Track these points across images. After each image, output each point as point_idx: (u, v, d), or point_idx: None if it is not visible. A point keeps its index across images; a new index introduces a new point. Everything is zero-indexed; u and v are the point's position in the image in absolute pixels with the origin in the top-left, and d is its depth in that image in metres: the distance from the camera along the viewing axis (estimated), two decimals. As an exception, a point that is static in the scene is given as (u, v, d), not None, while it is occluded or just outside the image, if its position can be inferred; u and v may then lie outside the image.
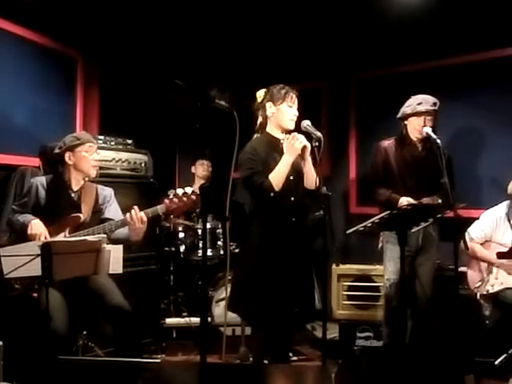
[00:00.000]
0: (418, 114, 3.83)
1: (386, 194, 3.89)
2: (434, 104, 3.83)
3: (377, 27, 4.89)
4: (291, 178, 3.30)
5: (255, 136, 3.44)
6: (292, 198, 3.31)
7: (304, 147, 3.25)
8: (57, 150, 3.49)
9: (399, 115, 3.95)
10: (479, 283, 3.97)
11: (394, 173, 3.94)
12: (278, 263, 3.24)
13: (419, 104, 3.83)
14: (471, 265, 4.03)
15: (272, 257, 3.24)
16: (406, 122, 3.92)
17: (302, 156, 3.30)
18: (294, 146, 3.23)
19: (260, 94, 3.43)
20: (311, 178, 3.32)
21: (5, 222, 3.79)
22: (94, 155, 3.49)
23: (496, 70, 4.64)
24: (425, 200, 3.78)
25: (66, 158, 3.46)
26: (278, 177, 3.23)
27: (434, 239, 3.94)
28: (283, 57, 5.31)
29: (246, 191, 3.36)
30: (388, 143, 4.01)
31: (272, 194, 3.22)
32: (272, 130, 3.40)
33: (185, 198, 3.24)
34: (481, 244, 4.00)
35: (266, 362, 3.52)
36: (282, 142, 3.36)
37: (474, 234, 4.01)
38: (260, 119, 3.44)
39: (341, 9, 4.68)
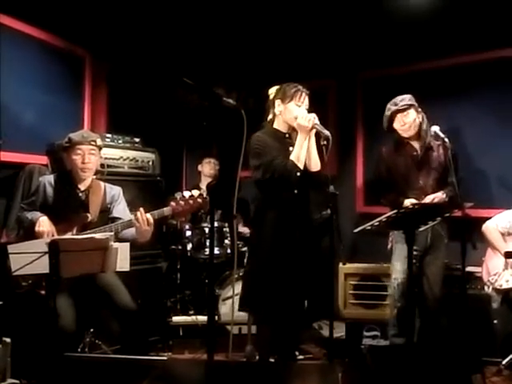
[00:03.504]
0: (392, 115, 3.92)
1: (390, 199, 3.92)
2: (401, 100, 3.90)
3: (384, 26, 4.88)
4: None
5: (260, 131, 3.44)
6: (295, 191, 3.33)
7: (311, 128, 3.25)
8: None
9: (385, 129, 4.04)
10: (494, 276, 3.94)
11: (396, 174, 3.96)
12: (287, 258, 3.25)
13: (387, 111, 3.97)
14: (488, 257, 4.01)
15: (280, 252, 3.25)
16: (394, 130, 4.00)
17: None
18: (302, 124, 3.23)
19: (272, 90, 3.47)
20: (315, 159, 3.35)
21: (13, 220, 3.81)
22: (89, 157, 3.43)
23: (505, 68, 4.61)
24: (428, 198, 3.78)
25: (64, 158, 3.48)
26: (298, 155, 3.26)
27: (442, 238, 3.93)
28: (290, 55, 5.31)
29: (252, 188, 3.37)
30: (386, 148, 4.07)
31: (298, 174, 3.25)
32: (279, 126, 3.44)
33: (191, 201, 3.26)
34: (502, 235, 3.97)
35: (272, 360, 3.52)
36: (286, 136, 3.41)
37: (501, 222, 3.98)
38: (270, 116, 3.48)
39: (348, 7, 4.67)
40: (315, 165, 3.33)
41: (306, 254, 3.32)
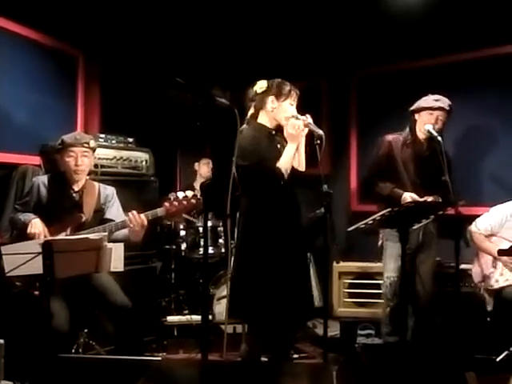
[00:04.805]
0: (432, 109, 3.83)
1: (388, 188, 3.88)
2: (449, 106, 3.86)
3: (378, 24, 4.87)
4: None
5: (245, 126, 3.31)
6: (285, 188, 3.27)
7: (306, 124, 3.21)
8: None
9: (413, 107, 3.94)
10: (483, 277, 3.96)
11: (398, 167, 3.92)
12: (277, 259, 3.19)
13: (437, 100, 3.84)
14: (477, 259, 4.02)
15: (270, 252, 3.19)
16: (416, 117, 3.92)
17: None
18: (293, 134, 3.19)
19: (262, 85, 3.31)
20: (302, 159, 3.31)
21: (6, 220, 3.81)
22: (82, 159, 3.43)
23: (498, 67, 4.63)
24: (429, 199, 3.77)
25: (58, 160, 3.48)
26: (285, 164, 3.20)
27: (433, 236, 3.95)
28: (283, 54, 5.30)
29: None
30: (393, 137, 3.99)
31: (282, 182, 3.20)
32: (266, 122, 3.33)
33: (185, 202, 3.26)
34: (486, 237, 3.96)
35: (265, 359, 3.52)
36: (273, 132, 3.33)
37: (481, 225, 3.97)
38: (252, 110, 3.36)
39: (341, 5, 4.66)
40: (302, 165, 3.31)
41: (295, 251, 3.28)
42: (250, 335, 3.54)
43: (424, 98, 3.92)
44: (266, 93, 3.30)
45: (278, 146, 3.30)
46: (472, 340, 3.78)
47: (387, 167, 3.95)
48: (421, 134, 3.92)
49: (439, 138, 3.63)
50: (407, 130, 3.98)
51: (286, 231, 3.24)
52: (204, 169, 5.50)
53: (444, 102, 3.85)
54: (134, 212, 3.25)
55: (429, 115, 3.84)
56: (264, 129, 3.32)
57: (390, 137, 4.00)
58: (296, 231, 3.31)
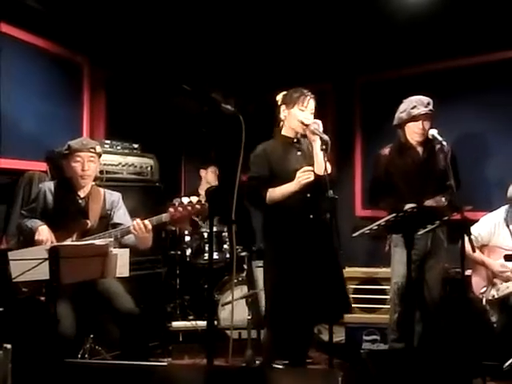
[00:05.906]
0: (414, 119, 3.76)
1: (390, 204, 3.85)
2: (428, 104, 3.76)
3: (382, 29, 4.88)
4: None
5: (273, 139, 3.49)
6: (308, 195, 3.30)
7: (311, 129, 3.25)
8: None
9: (395, 122, 3.88)
10: (484, 288, 3.93)
11: (398, 179, 3.88)
12: (303, 264, 3.24)
13: (413, 108, 3.75)
14: (476, 270, 4.00)
15: (296, 258, 3.24)
16: (404, 128, 3.86)
17: (310, 137, 3.32)
18: (300, 181, 3.24)
19: (278, 97, 3.48)
20: (320, 163, 3.25)
21: (13, 226, 3.83)
22: (89, 164, 3.46)
23: (502, 72, 4.63)
24: (428, 202, 3.75)
25: (64, 166, 3.50)
26: (276, 196, 3.28)
27: (442, 242, 3.90)
28: (287, 59, 5.32)
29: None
30: (388, 151, 3.95)
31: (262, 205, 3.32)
32: (286, 132, 3.45)
33: (189, 207, 3.25)
34: (479, 247, 3.92)
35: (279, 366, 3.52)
36: (295, 141, 3.43)
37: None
38: (278, 122, 3.49)
39: (345, 10, 4.67)
40: (320, 169, 3.29)
41: (323, 253, 3.27)
42: (269, 342, 3.54)
43: (402, 109, 3.83)
44: (281, 104, 3.44)
45: (299, 153, 3.38)
46: (479, 346, 3.76)
47: (388, 181, 3.91)
48: (412, 141, 3.85)
49: (444, 143, 3.58)
50: (398, 140, 3.91)
51: (309, 232, 3.29)
52: (211, 176, 5.49)
53: (421, 103, 3.75)
54: (138, 220, 3.27)
55: (415, 123, 3.78)
56: (284, 140, 3.44)
57: (385, 151, 3.96)
58: (319, 231, 3.31)
